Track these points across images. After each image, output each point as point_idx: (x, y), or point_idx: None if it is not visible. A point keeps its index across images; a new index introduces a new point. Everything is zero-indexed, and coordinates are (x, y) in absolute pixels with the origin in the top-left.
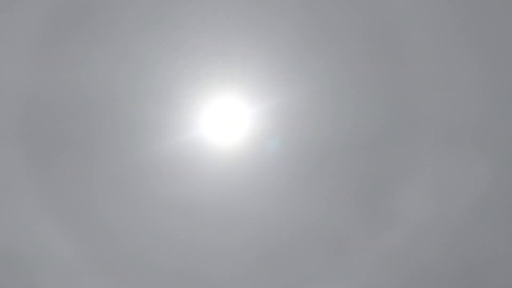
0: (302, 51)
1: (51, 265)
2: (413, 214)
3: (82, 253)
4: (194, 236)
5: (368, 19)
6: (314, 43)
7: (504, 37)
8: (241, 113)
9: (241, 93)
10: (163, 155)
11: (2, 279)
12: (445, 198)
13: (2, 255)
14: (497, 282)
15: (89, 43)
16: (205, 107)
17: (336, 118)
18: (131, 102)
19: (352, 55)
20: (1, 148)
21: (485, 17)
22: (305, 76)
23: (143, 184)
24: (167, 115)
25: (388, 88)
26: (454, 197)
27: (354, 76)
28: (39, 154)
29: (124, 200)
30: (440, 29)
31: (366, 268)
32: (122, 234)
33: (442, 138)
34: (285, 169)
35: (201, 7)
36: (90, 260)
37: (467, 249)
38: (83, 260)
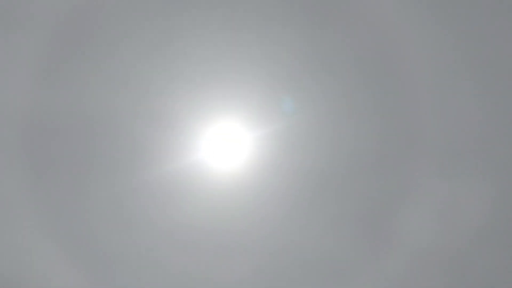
0: (302, 77)
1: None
2: (415, 238)
3: (77, 278)
4: (192, 263)
5: (367, 45)
6: (314, 69)
7: (504, 58)
8: (241, 138)
9: (241, 118)
10: (162, 179)
11: None
12: (448, 222)
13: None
14: None
15: (91, 66)
16: (205, 131)
17: (336, 143)
18: (131, 125)
19: (352, 80)
20: (8, 164)
21: (483, 42)
22: (304, 102)
23: (141, 209)
24: (167, 139)
25: (388, 113)
26: (457, 221)
27: (354, 100)
28: (38, 174)
29: (122, 224)
30: (439, 54)
31: None
32: (119, 260)
33: (444, 162)
34: (285, 193)
35: (203, 35)
36: (84, 285)
37: (471, 274)
38: (77, 285)
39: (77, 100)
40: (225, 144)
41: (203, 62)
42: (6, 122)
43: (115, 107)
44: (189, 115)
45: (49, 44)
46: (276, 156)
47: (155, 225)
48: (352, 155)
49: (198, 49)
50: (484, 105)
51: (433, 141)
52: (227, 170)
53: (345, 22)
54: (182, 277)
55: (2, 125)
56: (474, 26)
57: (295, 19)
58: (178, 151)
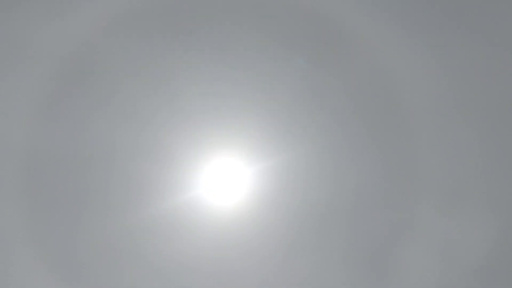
0: (301, 111)
1: None
2: (416, 275)
3: None
4: None
5: (368, 81)
6: (313, 103)
7: (504, 95)
8: (240, 173)
9: (239, 153)
10: (160, 216)
11: None
12: (449, 259)
13: None
14: None
15: (91, 103)
16: (204, 167)
17: (336, 179)
18: (129, 161)
19: (352, 115)
20: (6, 201)
21: (483, 78)
22: (304, 136)
23: (139, 246)
24: (165, 175)
25: (389, 149)
26: (457, 257)
27: (354, 136)
28: (34, 210)
29: (119, 262)
30: (440, 90)
31: None
32: None
33: (445, 198)
34: (284, 229)
35: (202, 72)
36: None
37: None
38: None
39: (76, 137)
40: (224, 179)
41: (201, 99)
42: (4, 158)
43: (113, 144)
44: (187, 151)
45: (49, 81)
46: (275, 192)
47: (153, 263)
48: (352, 191)
49: (196, 86)
50: (485, 142)
51: (434, 177)
52: (226, 205)
53: (344, 58)
54: None
55: (1, 161)
56: (473, 62)
57: (294, 56)
58: (177, 188)
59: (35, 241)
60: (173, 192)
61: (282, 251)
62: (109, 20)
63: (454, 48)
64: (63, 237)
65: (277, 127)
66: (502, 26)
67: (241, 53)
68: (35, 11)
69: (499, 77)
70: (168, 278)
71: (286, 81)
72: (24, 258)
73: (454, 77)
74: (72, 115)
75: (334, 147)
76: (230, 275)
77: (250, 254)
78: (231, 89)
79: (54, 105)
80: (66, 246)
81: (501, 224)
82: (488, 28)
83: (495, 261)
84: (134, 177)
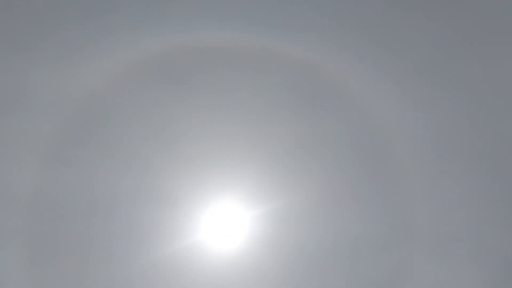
0: (299, 156)
1: None
2: None
3: None
4: None
5: (364, 126)
6: (311, 149)
7: (494, 147)
8: (239, 218)
9: (239, 198)
10: (161, 261)
11: None
12: None
13: None
14: None
15: (94, 150)
16: (204, 212)
17: (333, 223)
18: (131, 208)
19: (349, 161)
20: (11, 248)
21: (472, 134)
22: (302, 183)
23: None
24: (166, 220)
25: (384, 196)
26: None
27: (350, 184)
28: (38, 255)
29: None
30: (432, 146)
31: None
32: None
33: (436, 244)
34: (283, 272)
35: (201, 120)
36: None
37: None
38: None
39: (79, 184)
40: (224, 224)
41: (202, 145)
42: (10, 203)
43: (115, 190)
44: (188, 196)
45: (53, 130)
46: (275, 235)
47: None
48: (350, 236)
49: (197, 134)
50: (475, 193)
51: (427, 226)
52: (226, 249)
53: (339, 106)
54: None
55: (6, 205)
56: (464, 115)
57: (293, 100)
58: (177, 233)
59: (36, 286)
60: (174, 237)
61: None
62: (113, 73)
63: (447, 96)
64: (65, 281)
65: (276, 173)
66: (488, 73)
67: (240, 100)
68: (45, 61)
69: (491, 127)
70: None
71: (286, 128)
72: None
73: (445, 130)
74: (75, 162)
75: (332, 194)
76: None
77: None
78: (229, 134)
79: (58, 153)
80: None
81: (488, 272)
82: (475, 78)
83: None
84: (136, 223)
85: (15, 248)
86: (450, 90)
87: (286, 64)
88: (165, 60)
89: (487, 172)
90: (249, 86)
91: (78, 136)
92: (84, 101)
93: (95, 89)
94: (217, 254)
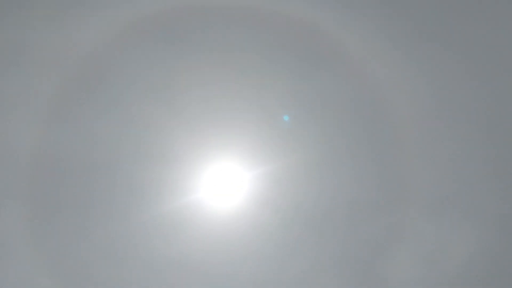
0: (298, 118)
1: None
2: (402, 279)
3: None
4: None
5: (362, 88)
6: (309, 111)
7: (488, 109)
8: (240, 177)
9: (239, 158)
10: (161, 218)
11: None
12: (433, 263)
13: None
14: None
15: (94, 108)
16: (204, 171)
17: (330, 184)
18: (131, 166)
19: (347, 123)
20: (12, 206)
21: (470, 94)
22: (301, 142)
23: (140, 247)
24: (166, 178)
25: (381, 158)
26: (442, 262)
27: (347, 143)
28: (39, 212)
29: (121, 262)
30: (430, 105)
31: None
32: None
33: (430, 205)
34: (280, 232)
35: (202, 77)
36: None
37: None
38: None
39: (79, 141)
40: (224, 183)
41: (202, 104)
42: (10, 162)
43: (115, 148)
44: (188, 155)
45: (52, 88)
46: (274, 195)
47: (154, 264)
48: (346, 196)
49: (197, 91)
50: (472, 153)
51: (423, 186)
52: (225, 208)
53: (339, 67)
54: None
55: (6, 163)
56: (463, 73)
57: (293, 61)
58: (178, 191)
59: (38, 243)
60: (175, 195)
61: (279, 252)
62: (112, 31)
63: (444, 58)
64: (66, 238)
65: (276, 134)
66: (485, 36)
67: (240, 58)
68: (44, 19)
69: (486, 89)
70: (168, 278)
71: (287, 88)
72: (28, 260)
73: (443, 89)
74: (76, 120)
75: (330, 154)
76: (229, 275)
77: (248, 255)
78: (229, 93)
79: (58, 111)
80: (69, 248)
81: (482, 230)
82: (474, 39)
83: (477, 263)
84: (136, 180)
85: (15, 205)
86: (449, 51)
87: (287, 23)
88: (165, 18)
89: (483, 133)
90: (249, 44)
91: (77, 94)
92: (84, 58)
93: (94, 47)
94: (216, 213)
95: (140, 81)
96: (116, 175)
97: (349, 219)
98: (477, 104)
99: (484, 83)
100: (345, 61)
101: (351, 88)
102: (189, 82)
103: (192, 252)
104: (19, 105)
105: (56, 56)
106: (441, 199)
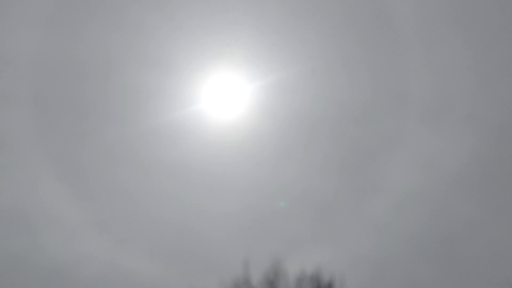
0: (297, 31)
1: (54, 225)
2: (398, 183)
3: (87, 211)
4: (192, 197)
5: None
6: (309, 23)
7: (494, 10)
8: (240, 88)
9: (240, 70)
10: (166, 125)
11: (5, 237)
12: (428, 169)
13: (5, 213)
14: (475, 246)
15: (88, 11)
16: (206, 82)
17: (329, 93)
18: (134, 75)
19: (345, 33)
20: (13, 109)
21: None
22: (300, 54)
23: (146, 150)
24: (169, 89)
25: (378, 67)
26: (437, 167)
27: (346, 53)
28: (49, 113)
29: (119, 168)
30: (435, 10)
31: (352, 234)
32: (125, 194)
33: (427, 113)
34: (277, 137)
35: None
36: (94, 219)
37: (449, 216)
38: (86, 220)
39: (74, 46)
40: (225, 94)
41: (204, 14)
42: (8, 66)
43: (120, 56)
44: (190, 66)
45: None
46: (273, 106)
47: (151, 170)
48: (344, 104)
49: (202, 3)
50: (470, 62)
51: (419, 94)
52: (226, 119)
53: None
54: (183, 206)
55: (4, 68)
56: None
57: None
58: (179, 101)
59: (44, 143)
60: (175, 105)
61: (275, 156)
62: None
63: None
64: (65, 144)
65: (275, 46)
66: None
67: None
68: None
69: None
70: (167, 183)
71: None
72: (26, 164)
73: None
74: (70, 24)
75: (329, 64)
76: (227, 174)
77: (246, 158)
78: (234, 2)
79: (55, 16)
80: (68, 153)
81: (477, 136)
82: None
83: (471, 168)
84: (138, 91)
85: (15, 109)
86: None
87: None
88: None
89: (484, 41)
90: None
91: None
92: None
93: None
94: (218, 123)
95: None
96: (114, 82)
97: (347, 126)
98: (483, 11)
99: None
100: None
101: None
102: None
103: (194, 155)
104: (15, 11)
105: None
106: (440, 104)
